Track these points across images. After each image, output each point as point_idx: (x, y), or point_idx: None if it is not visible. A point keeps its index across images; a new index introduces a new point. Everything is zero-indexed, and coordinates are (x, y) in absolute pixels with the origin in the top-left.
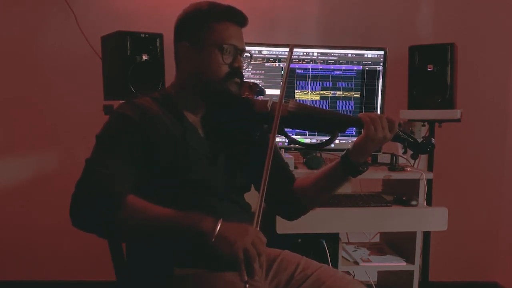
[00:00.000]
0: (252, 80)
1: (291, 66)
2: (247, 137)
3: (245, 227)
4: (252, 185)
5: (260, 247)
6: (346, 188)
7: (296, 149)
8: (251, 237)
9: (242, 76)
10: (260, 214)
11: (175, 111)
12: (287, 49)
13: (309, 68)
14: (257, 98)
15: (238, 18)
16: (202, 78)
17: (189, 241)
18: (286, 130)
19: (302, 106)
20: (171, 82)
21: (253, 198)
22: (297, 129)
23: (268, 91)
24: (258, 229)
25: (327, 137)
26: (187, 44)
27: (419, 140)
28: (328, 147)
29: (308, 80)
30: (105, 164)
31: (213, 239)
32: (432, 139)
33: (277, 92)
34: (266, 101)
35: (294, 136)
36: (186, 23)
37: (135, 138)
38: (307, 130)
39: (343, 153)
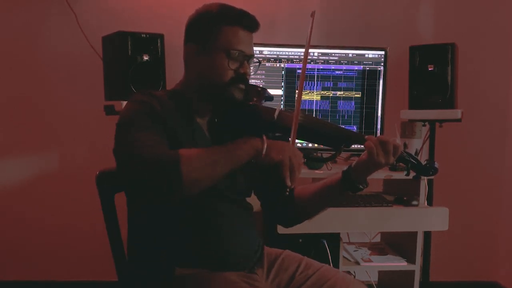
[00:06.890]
0: (253, 81)
1: (291, 67)
2: None
3: (285, 143)
4: (253, 190)
5: (300, 160)
6: None
7: None
8: (293, 149)
9: (247, 82)
10: (296, 132)
11: (186, 109)
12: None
13: (309, 68)
14: (265, 103)
15: (249, 23)
16: (206, 81)
17: (247, 158)
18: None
19: (310, 119)
20: (180, 81)
21: (254, 199)
22: (303, 140)
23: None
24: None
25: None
26: (194, 46)
27: (423, 163)
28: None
29: (309, 80)
30: (135, 139)
31: (264, 150)
32: (435, 163)
33: (277, 92)
34: (274, 110)
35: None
36: (195, 24)
37: (157, 118)
38: (312, 143)
39: (345, 169)
